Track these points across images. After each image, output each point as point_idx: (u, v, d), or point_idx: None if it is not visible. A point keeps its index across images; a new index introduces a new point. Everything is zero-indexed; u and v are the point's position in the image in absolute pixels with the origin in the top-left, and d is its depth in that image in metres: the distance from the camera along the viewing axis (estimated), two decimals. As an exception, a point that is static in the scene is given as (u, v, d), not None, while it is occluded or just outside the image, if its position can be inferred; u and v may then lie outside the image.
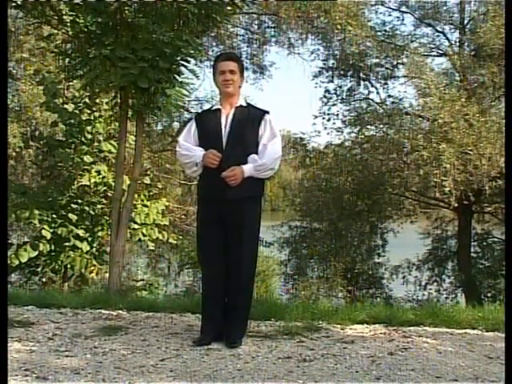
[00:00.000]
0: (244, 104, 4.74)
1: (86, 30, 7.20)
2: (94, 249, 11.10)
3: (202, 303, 4.77)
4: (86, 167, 11.04)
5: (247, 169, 4.51)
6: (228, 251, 4.60)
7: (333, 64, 18.31)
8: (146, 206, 11.31)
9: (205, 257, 4.71)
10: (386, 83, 18.04)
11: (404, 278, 19.40)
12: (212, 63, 4.92)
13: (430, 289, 19.10)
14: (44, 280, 11.92)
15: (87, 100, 10.83)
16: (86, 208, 11.01)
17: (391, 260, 19.59)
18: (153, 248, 12.49)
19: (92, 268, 10.91)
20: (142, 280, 15.82)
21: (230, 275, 4.61)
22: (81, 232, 10.70)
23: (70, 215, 10.64)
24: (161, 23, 6.93)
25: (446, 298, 18.43)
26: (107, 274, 7.97)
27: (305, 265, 19.17)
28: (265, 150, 4.59)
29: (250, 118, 4.64)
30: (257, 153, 4.59)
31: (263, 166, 4.57)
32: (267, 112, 4.70)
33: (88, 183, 11.03)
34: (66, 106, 11.04)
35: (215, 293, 4.65)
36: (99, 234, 11.04)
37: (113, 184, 9.46)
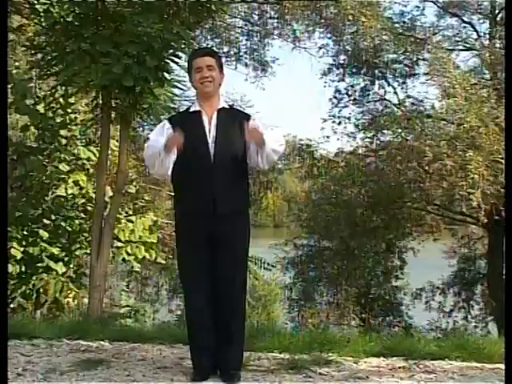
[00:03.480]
0: (227, 106, 4.78)
1: (61, 20, 7.23)
2: (71, 270, 11.10)
3: (190, 333, 4.72)
4: (61, 177, 11.04)
5: (266, 134, 4.53)
6: (217, 271, 4.59)
7: (344, 60, 18.36)
8: (131, 221, 11.31)
9: (192, 279, 4.66)
10: (404, 82, 18.09)
11: (426, 303, 19.37)
12: (187, 62, 4.92)
13: (456, 316, 19.06)
14: (13, 306, 11.90)
15: (62, 100, 10.84)
16: (62, 223, 11.00)
17: (411, 283, 19.56)
18: (139, 269, 12.48)
19: (68, 293, 10.89)
20: (127, 306, 15.76)
21: (220, 298, 4.59)
22: (55, 251, 10.69)
23: (43, 232, 10.63)
24: (148, 14, 6.95)
25: (475, 327, 18.40)
26: (86, 300, 7.95)
27: (312, 289, 19.14)
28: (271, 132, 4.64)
29: (237, 122, 4.63)
30: (245, 159, 4.62)
31: (278, 140, 4.65)
32: (251, 116, 4.75)
33: (64, 195, 11.03)
34: (38, 107, 11.04)
35: (207, 319, 4.62)
36: (77, 253, 11.04)
37: (93, 196, 9.46)
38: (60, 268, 10.73)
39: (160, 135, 4.61)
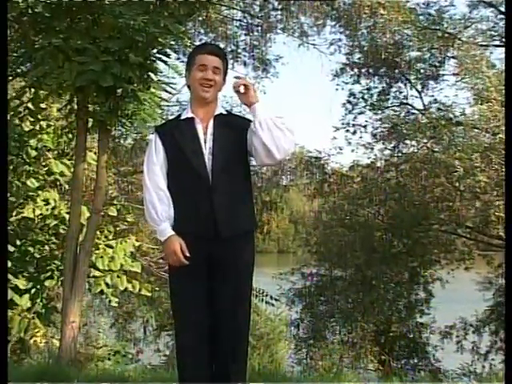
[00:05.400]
0: (224, 112, 4.75)
1: (30, 11, 7.24)
2: (40, 305, 11.05)
3: (181, 375, 4.67)
4: (29, 194, 11.04)
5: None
6: (215, 303, 4.57)
7: (359, 59, 18.41)
8: (110, 246, 11.29)
9: (186, 311, 4.64)
10: (429, 84, 18.12)
11: (457, 344, 19.29)
12: (189, 54, 4.90)
13: (494, 359, 18.96)
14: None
15: (31, 105, 10.85)
16: (30, 249, 10.98)
17: (439, 320, 19.50)
18: (116, 304, 12.44)
19: (36, 331, 10.84)
20: (106, 346, 15.74)
21: (219, 334, 4.58)
22: (21, 283, 10.66)
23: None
24: (131, 4, 6.96)
25: (515, 371, 18.31)
26: (57, 340, 7.92)
27: (323, 326, 19.08)
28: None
29: (236, 130, 4.63)
30: (249, 174, 4.64)
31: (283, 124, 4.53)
32: (251, 121, 4.69)
33: (32, 216, 11.01)
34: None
35: (202, 358, 4.59)
36: (46, 284, 11.00)
37: (66, 217, 9.44)
38: (25, 302, 10.69)
39: (154, 165, 4.58)
